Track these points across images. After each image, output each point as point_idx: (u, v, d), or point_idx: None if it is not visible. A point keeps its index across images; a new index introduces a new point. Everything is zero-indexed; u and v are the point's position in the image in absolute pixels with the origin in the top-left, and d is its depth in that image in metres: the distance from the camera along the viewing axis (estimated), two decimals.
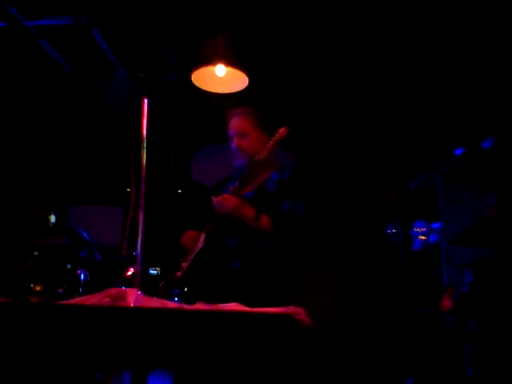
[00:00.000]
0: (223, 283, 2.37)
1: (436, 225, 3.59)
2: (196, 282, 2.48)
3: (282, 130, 2.41)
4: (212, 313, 1.36)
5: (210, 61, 3.10)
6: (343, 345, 3.94)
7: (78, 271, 2.91)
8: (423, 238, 3.76)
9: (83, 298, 1.48)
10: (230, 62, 3.10)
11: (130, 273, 2.73)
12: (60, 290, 2.82)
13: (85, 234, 3.25)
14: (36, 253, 3.00)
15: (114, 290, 1.43)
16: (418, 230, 3.81)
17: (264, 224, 2.36)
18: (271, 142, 2.40)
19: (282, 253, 2.44)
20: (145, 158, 1.79)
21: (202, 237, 2.48)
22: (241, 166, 2.56)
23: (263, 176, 2.50)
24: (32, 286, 2.85)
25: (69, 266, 3.00)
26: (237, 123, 2.58)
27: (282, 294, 2.34)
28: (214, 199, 2.40)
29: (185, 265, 2.48)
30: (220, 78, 3.17)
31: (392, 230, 4.26)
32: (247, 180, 2.42)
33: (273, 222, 2.37)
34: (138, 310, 1.36)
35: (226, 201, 2.37)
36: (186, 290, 2.62)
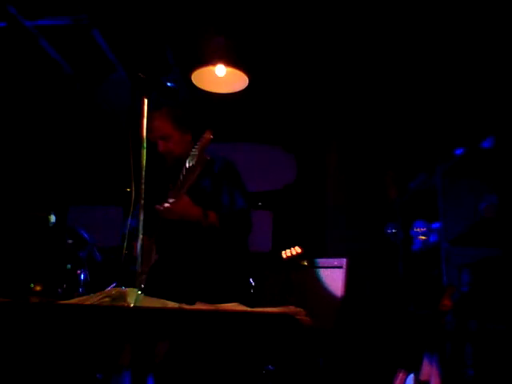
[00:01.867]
0: (183, 286, 2.36)
1: (436, 225, 3.59)
2: (158, 290, 2.47)
3: (206, 135, 2.30)
4: (212, 313, 1.36)
5: (210, 61, 3.11)
6: (343, 345, 3.94)
7: (78, 271, 2.91)
8: (423, 238, 3.76)
9: (83, 297, 1.48)
10: (230, 62, 3.11)
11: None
12: (60, 290, 2.82)
13: (85, 234, 3.25)
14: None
15: (113, 290, 1.43)
16: (418, 229, 3.81)
17: (213, 220, 2.37)
18: (198, 148, 2.29)
19: (232, 248, 2.47)
20: (145, 158, 1.79)
21: (153, 253, 2.45)
22: (171, 169, 2.52)
23: (195, 173, 2.45)
24: (32, 285, 2.85)
25: (69, 266, 3.00)
26: (157, 126, 2.53)
27: (238, 289, 2.37)
28: (159, 207, 2.34)
29: (144, 277, 2.46)
30: (220, 77, 3.18)
31: (392, 229, 4.26)
32: (182, 182, 2.36)
33: (219, 218, 2.38)
34: (138, 310, 1.36)
35: (173, 206, 2.31)
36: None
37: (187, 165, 2.28)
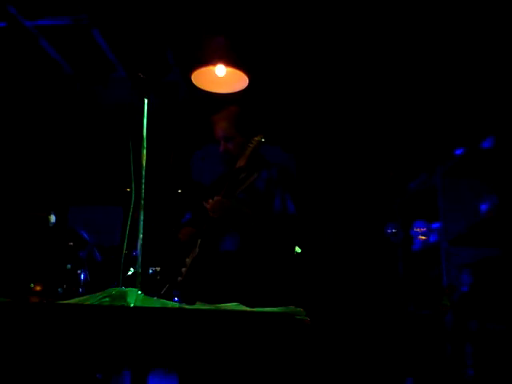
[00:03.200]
0: (223, 285, 2.37)
1: (436, 225, 3.59)
2: (196, 286, 2.47)
3: (257, 137, 2.39)
4: (212, 312, 1.36)
5: (210, 61, 3.11)
6: (343, 344, 3.94)
7: (78, 271, 2.91)
8: (423, 237, 3.76)
9: (83, 297, 1.48)
10: (230, 62, 3.11)
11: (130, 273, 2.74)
12: (60, 290, 2.83)
13: (85, 234, 3.25)
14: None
15: (113, 290, 1.44)
16: (418, 229, 3.81)
17: (259, 224, 2.37)
18: (248, 149, 2.38)
19: (278, 252, 2.44)
20: (145, 157, 1.79)
21: (198, 241, 2.48)
22: (228, 170, 2.56)
23: (253, 176, 2.47)
24: (32, 285, 2.85)
25: (69, 266, 3.00)
26: (222, 127, 2.56)
27: (280, 293, 2.35)
28: (206, 204, 2.38)
29: (184, 270, 2.47)
30: (220, 77, 3.18)
31: (392, 229, 4.26)
32: (235, 183, 2.41)
33: (267, 222, 2.38)
34: (138, 310, 1.36)
35: (218, 204, 2.36)
36: (186, 293, 2.61)
37: (238, 165, 2.31)
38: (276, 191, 2.44)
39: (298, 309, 1.36)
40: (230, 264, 2.39)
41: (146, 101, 1.85)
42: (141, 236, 1.71)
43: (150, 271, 3.07)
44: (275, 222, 2.40)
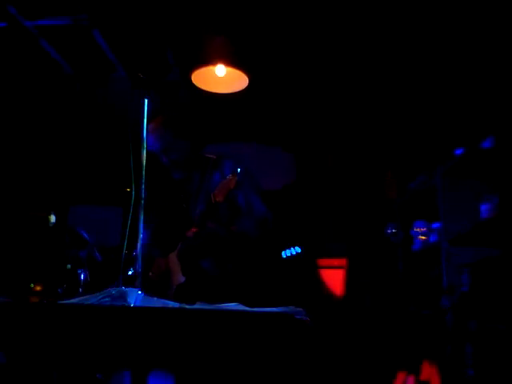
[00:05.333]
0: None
1: (436, 225, 3.59)
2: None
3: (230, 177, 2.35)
4: (212, 312, 1.36)
5: (210, 61, 3.10)
6: (343, 344, 3.94)
7: (78, 271, 2.90)
8: (423, 237, 3.76)
9: (83, 297, 1.48)
10: (230, 61, 3.10)
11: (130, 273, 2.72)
12: (60, 290, 2.82)
13: (85, 234, 3.24)
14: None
15: (113, 290, 1.43)
16: (418, 229, 3.81)
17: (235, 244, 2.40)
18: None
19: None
20: (145, 157, 1.79)
21: (177, 265, 2.45)
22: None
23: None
24: (32, 285, 2.85)
25: (69, 266, 3.00)
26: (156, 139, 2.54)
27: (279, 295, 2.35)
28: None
29: (170, 292, 2.45)
30: (220, 77, 3.17)
31: (392, 229, 4.26)
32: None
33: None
34: (137, 310, 1.36)
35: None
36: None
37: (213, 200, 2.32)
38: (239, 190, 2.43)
39: (298, 309, 1.36)
40: (218, 288, 2.37)
41: (146, 101, 1.85)
42: (141, 236, 1.71)
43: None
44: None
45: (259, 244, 2.44)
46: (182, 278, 2.41)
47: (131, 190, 1.80)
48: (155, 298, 1.53)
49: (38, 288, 2.85)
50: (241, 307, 1.44)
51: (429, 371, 2.98)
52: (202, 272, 2.43)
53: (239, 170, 2.38)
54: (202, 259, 2.42)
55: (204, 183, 2.44)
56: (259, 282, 2.41)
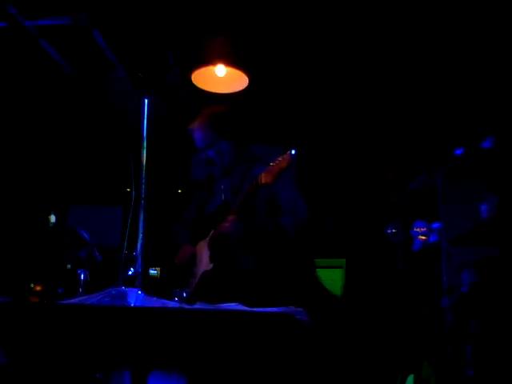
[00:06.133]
0: (235, 293, 2.25)
1: (436, 225, 3.59)
2: (206, 298, 2.37)
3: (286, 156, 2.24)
4: (212, 312, 1.36)
5: (210, 61, 3.10)
6: (343, 344, 3.94)
7: (78, 271, 2.91)
8: (423, 237, 3.76)
9: (83, 297, 1.48)
10: (230, 61, 3.10)
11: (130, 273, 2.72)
12: (60, 290, 2.82)
13: (85, 234, 3.25)
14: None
15: (113, 290, 1.44)
16: (418, 229, 3.81)
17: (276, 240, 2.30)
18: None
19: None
20: (145, 157, 1.79)
21: (205, 254, 2.40)
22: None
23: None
24: (32, 285, 2.85)
25: (69, 266, 3.00)
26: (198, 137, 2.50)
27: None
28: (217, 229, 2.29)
29: (193, 281, 2.40)
30: (220, 77, 3.17)
31: (392, 229, 4.26)
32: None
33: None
34: (137, 310, 1.36)
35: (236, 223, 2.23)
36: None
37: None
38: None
39: (298, 309, 1.36)
40: (249, 284, 2.26)
41: (146, 101, 1.85)
42: (141, 236, 1.71)
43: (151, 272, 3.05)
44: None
45: (295, 246, 2.39)
46: (209, 266, 2.33)
47: (131, 190, 1.80)
48: (155, 298, 1.53)
49: (38, 288, 2.85)
50: (241, 307, 1.44)
51: (429, 371, 2.98)
52: (235, 263, 2.31)
53: (293, 151, 2.27)
54: (239, 250, 2.29)
55: (249, 173, 2.37)
56: (290, 285, 2.32)
